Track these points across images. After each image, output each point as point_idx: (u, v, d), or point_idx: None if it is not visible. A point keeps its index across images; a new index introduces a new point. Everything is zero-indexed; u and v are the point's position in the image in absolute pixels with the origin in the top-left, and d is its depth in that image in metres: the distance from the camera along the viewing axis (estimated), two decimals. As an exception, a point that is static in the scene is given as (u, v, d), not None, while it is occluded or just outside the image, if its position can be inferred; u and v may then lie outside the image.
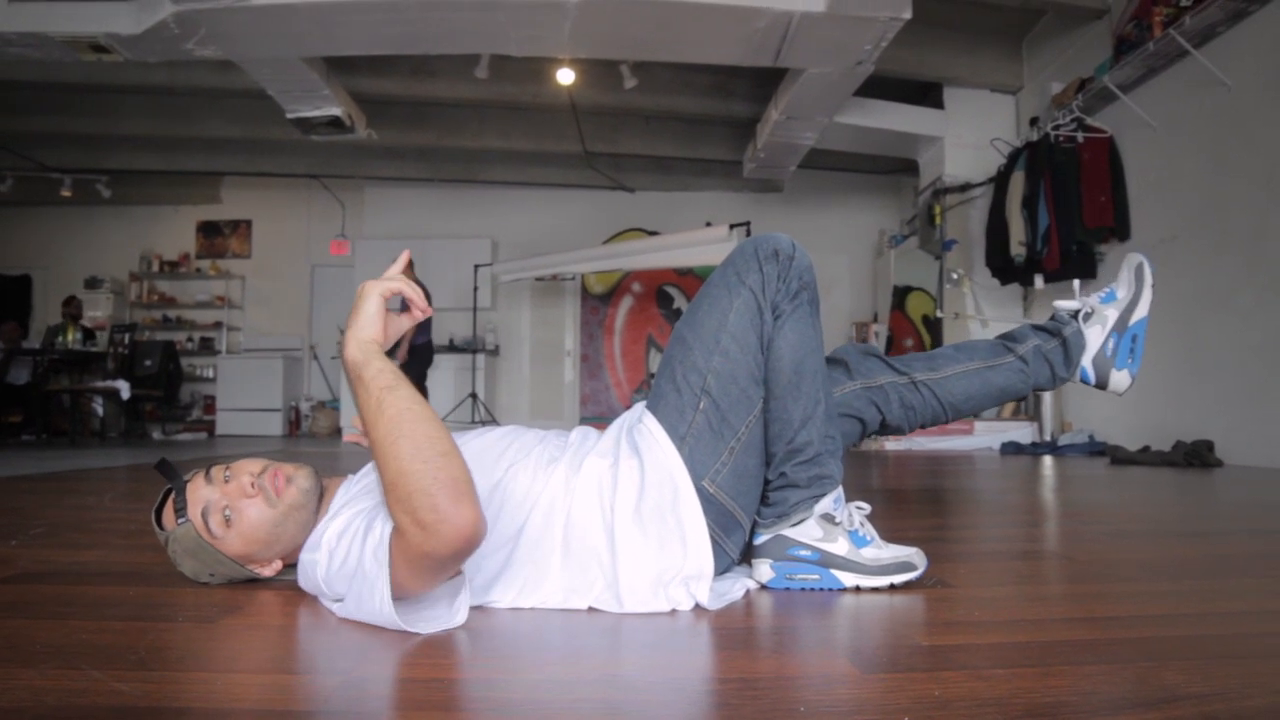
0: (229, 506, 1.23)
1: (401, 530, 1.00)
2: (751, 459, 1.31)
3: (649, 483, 1.24)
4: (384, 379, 1.07)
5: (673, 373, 1.32)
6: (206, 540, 1.25)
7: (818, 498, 1.32)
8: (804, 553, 1.32)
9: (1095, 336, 1.58)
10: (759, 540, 1.35)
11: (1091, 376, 1.59)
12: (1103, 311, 1.60)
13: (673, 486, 1.24)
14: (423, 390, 7.43)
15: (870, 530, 1.36)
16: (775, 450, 1.32)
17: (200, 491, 1.25)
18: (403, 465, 1.00)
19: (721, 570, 1.32)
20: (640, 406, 1.38)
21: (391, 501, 1.01)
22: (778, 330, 1.30)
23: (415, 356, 7.37)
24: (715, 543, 1.27)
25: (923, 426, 1.56)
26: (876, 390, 1.51)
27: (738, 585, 1.30)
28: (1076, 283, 1.75)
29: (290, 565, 1.31)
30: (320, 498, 1.31)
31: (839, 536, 1.32)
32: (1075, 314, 1.62)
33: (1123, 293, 1.63)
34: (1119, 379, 1.58)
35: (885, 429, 1.55)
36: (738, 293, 1.30)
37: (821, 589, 1.32)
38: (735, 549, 1.34)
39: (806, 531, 1.32)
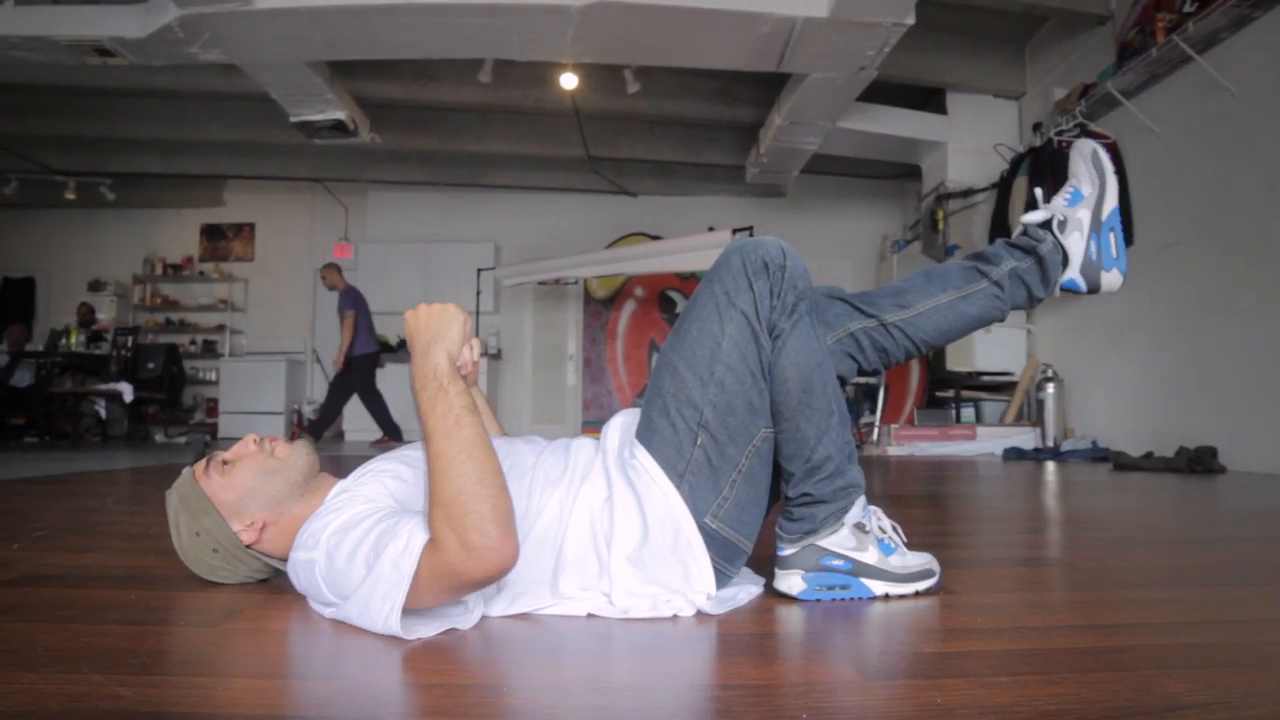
0: (229, 459, 1.30)
1: (441, 546, 1.01)
2: (753, 487, 1.27)
3: (650, 524, 1.20)
4: (467, 399, 1.13)
5: (665, 405, 1.26)
6: (200, 483, 1.28)
7: (846, 508, 1.28)
8: (837, 562, 1.28)
9: (1076, 245, 1.49)
10: (786, 552, 1.30)
11: (1082, 285, 1.50)
12: (1075, 216, 1.50)
13: (674, 528, 1.20)
14: (375, 394, 7.48)
15: (893, 537, 1.34)
16: (793, 469, 1.27)
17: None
18: (464, 485, 1.03)
19: (721, 587, 1.30)
20: (628, 421, 1.34)
21: (440, 516, 1.02)
22: (779, 352, 1.24)
23: (357, 366, 7.41)
24: (718, 572, 1.25)
25: (897, 363, 1.49)
26: (848, 339, 1.43)
27: (742, 592, 1.29)
28: (1038, 191, 1.59)
29: (281, 559, 1.30)
30: (314, 475, 1.32)
31: (869, 545, 1.29)
32: (1047, 224, 1.51)
33: (1087, 189, 1.53)
34: (1110, 280, 1.50)
35: (862, 374, 1.48)
36: (729, 317, 1.24)
37: (852, 599, 1.29)
38: (737, 570, 1.31)
39: (841, 541, 1.28)
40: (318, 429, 7.57)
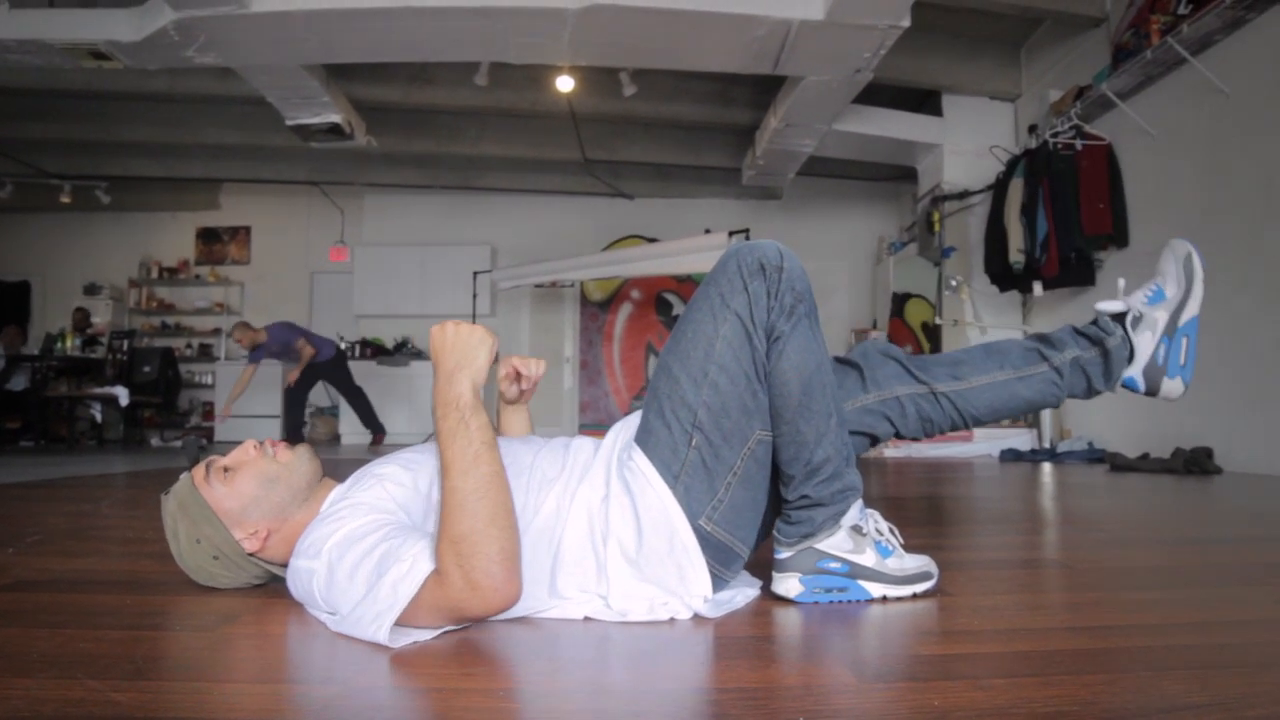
0: (229, 466, 1.29)
1: (446, 580, 1.02)
2: (749, 490, 1.26)
3: (645, 526, 1.20)
4: (488, 434, 1.12)
5: (661, 408, 1.26)
6: (201, 491, 1.27)
7: (843, 511, 1.28)
8: (834, 565, 1.28)
9: (1146, 345, 1.45)
10: (783, 555, 1.30)
11: (1141, 385, 1.47)
12: (1151, 315, 1.46)
13: (669, 530, 1.20)
14: (358, 391, 7.85)
15: (891, 539, 1.33)
16: (793, 472, 1.27)
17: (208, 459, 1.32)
18: (477, 525, 1.03)
19: (718, 590, 1.30)
20: (630, 427, 1.34)
21: (448, 552, 1.02)
22: (779, 354, 1.23)
23: (333, 367, 7.76)
24: (714, 576, 1.24)
25: (939, 433, 1.47)
26: (891, 402, 1.42)
27: (739, 595, 1.29)
28: (1122, 281, 1.56)
29: (282, 565, 1.30)
30: (317, 482, 1.32)
31: (866, 548, 1.29)
32: (1120, 317, 1.48)
33: (1172, 290, 1.49)
34: (1171, 387, 1.46)
35: (898, 437, 1.46)
36: (723, 319, 1.23)
37: (849, 601, 1.29)
38: (734, 575, 1.31)
39: (837, 543, 1.28)
40: (294, 432, 7.75)
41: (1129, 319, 1.48)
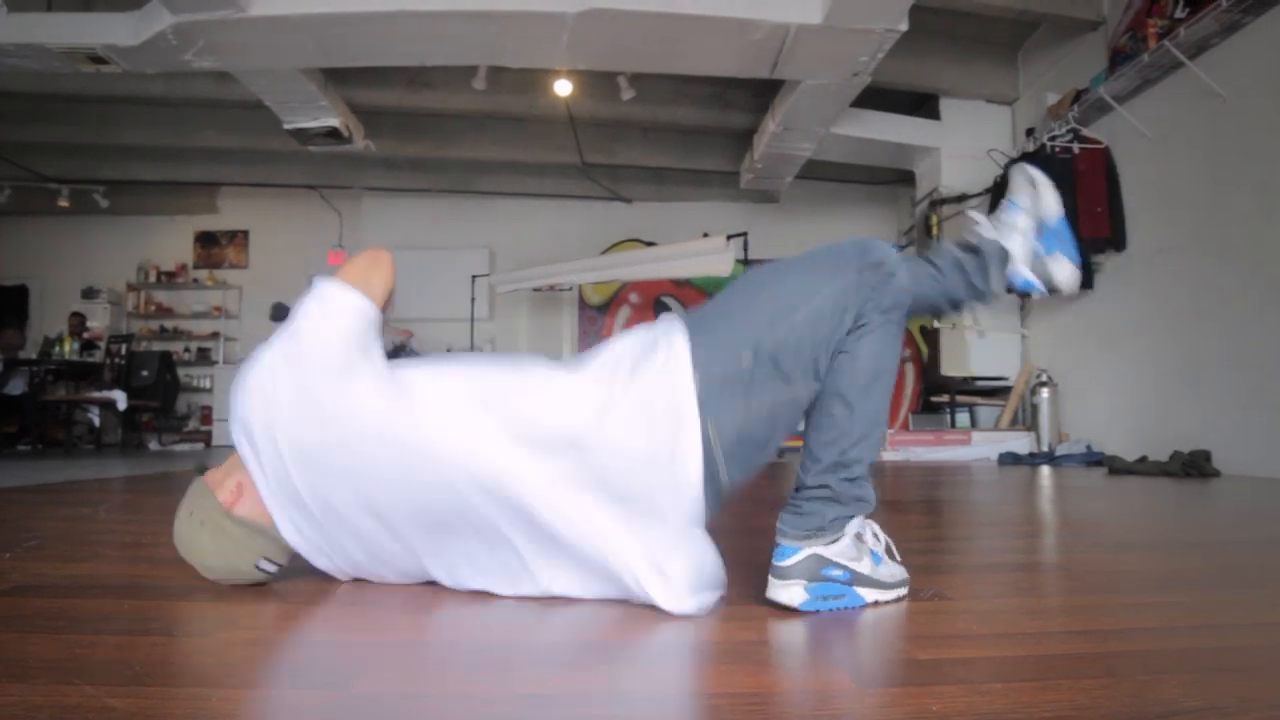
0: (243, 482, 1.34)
1: (342, 270, 1.29)
2: (761, 431, 1.27)
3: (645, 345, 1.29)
4: None
5: (730, 312, 1.31)
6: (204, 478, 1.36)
7: (851, 517, 1.29)
8: (837, 573, 1.27)
9: (1018, 245, 1.54)
10: (787, 560, 1.27)
11: (1036, 283, 1.55)
12: (1013, 219, 1.57)
13: (676, 412, 1.23)
14: None
15: (878, 546, 1.35)
16: (822, 457, 1.28)
17: None
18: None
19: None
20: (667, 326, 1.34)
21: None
22: (861, 335, 1.26)
23: None
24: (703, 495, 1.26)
25: None
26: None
27: (708, 594, 1.25)
28: (972, 212, 1.71)
29: (264, 527, 1.30)
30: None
31: (864, 555, 1.30)
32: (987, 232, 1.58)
33: (1025, 201, 1.59)
34: (1063, 272, 1.55)
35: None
36: (830, 282, 1.27)
37: (846, 607, 1.29)
38: (703, 515, 1.30)
39: (841, 550, 1.28)
40: None
41: (994, 227, 1.58)
